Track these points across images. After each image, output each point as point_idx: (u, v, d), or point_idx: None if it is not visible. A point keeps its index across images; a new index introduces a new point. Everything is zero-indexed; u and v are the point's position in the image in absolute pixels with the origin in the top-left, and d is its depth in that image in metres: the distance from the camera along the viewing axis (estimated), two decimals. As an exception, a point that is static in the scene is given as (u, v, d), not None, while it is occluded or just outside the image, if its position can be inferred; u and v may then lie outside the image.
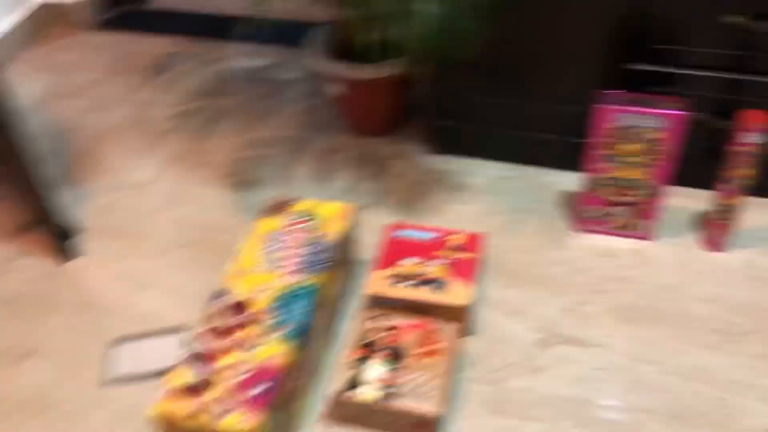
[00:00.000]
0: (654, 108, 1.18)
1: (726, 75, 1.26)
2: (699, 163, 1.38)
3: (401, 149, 1.61)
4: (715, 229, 1.30)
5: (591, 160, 1.27)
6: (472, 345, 1.19)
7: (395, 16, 1.23)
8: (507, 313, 1.24)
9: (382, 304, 1.20)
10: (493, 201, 1.46)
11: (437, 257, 1.25)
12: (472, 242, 1.27)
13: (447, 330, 1.15)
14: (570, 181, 1.46)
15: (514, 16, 1.30)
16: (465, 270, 1.22)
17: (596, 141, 1.24)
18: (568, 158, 1.44)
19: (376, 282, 1.21)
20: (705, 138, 1.34)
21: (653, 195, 1.28)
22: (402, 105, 1.62)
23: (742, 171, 1.19)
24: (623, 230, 1.35)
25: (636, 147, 1.23)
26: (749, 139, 1.16)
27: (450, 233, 1.29)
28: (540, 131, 1.47)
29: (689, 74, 1.28)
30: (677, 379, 1.12)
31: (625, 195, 1.30)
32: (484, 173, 1.53)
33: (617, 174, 1.27)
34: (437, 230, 1.30)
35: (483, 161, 1.55)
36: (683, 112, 1.17)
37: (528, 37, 1.33)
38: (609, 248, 1.35)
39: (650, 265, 1.31)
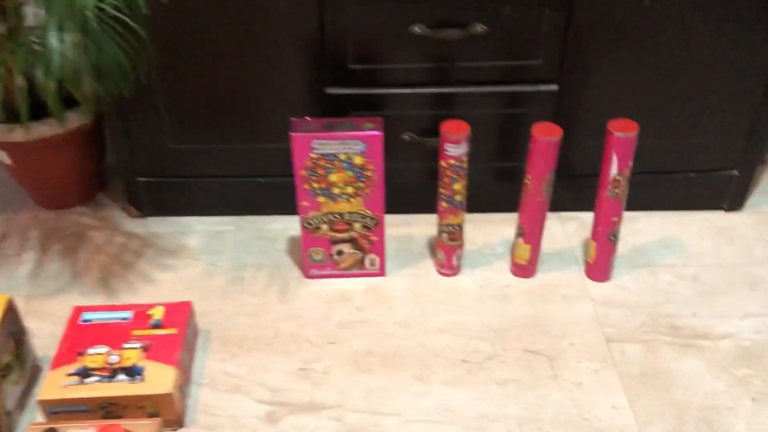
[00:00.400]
0: (351, 131, 1.07)
1: (425, 90, 1.20)
2: (420, 186, 1.30)
3: (101, 217, 1.37)
4: (444, 253, 1.21)
5: (300, 197, 1.13)
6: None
7: (32, 55, 1.03)
8: (229, 390, 1.05)
9: (62, 411, 0.95)
10: (212, 261, 1.28)
11: (132, 339, 1.03)
12: (175, 315, 1.07)
13: (146, 429, 0.93)
14: (295, 225, 1.32)
15: (191, 46, 1.15)
16: (167, 350, 1.01)
17: (299, 175, 1.11)
18: (289, 200, 1.30)
19: (50, 385, 0.96)
20: (419, 159, 1.27)
21: (374, 226, 1.17)
22: (95, 166, 1.40)
23: (456, 186, 1.12)
24: (353, 269, 1.23)
25: (342, 176, 1.11)
26: (453, 151, 1.08)
27: (148, 308, 1.08)
28: (252, 175, 1.31)
29: (390, 93, 1.20)
30: (423, 427, 0.99)
31: (344, 230, 1.18)
32: (199, 231, 1.34)
33: (331, 208, 1.15)
34: (133, 307, 1.09)
35: (197, 218, 1.37)
36: (380, 133, 1.07)
37: (217, 70, 1.18)
38: (342, 292, 1.22)
39: (385, 302, 1.20)
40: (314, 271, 1.23)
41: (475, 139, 1.23)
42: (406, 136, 1.23)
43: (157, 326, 1.05)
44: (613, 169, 1.09)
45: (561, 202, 1.34)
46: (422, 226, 1.34)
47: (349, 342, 1.12)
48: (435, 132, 1.16)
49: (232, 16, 1.12)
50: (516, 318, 1.16)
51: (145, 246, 1.31)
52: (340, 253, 1.20)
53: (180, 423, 0.99)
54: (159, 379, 0.97)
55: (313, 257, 1.21)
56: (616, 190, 1.11)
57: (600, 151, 1.12)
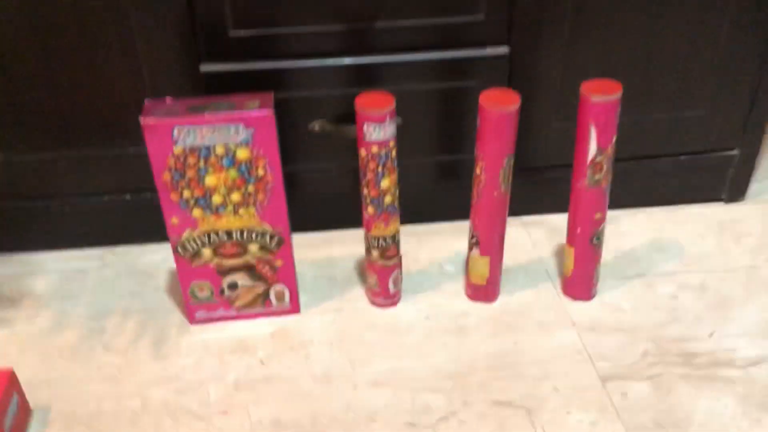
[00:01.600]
0: (229, 112, 0.76)
1: (336, 61, 0.90)
2: (339, 193, 1.00)
3: None
4: (378, 277, 0.90)
5: (167, 212, 0.82)
6: None
7: None
8: (68, 498, 0.72)
9: None
10: (63, 309, 0.94)
11: None
12: (-14, 390, 0.74)
13: None
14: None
15: (20, 27, 0.83)
16: (-36, 446, 0.68)
17: (161, 180, 0.79)
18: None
19: None
20: (335, 155, 0.96)
21: (277, 247, 0.86)
22: None
23: (384, 183, 0.82)
24: (254, 308, 0.91)
25: (222, 177, 0.80)
26: (376, 134, 0.79)
27: (-53, 384, 0.75)
28: (117, 191, 0.99)
29: (288, 67, 0.90)
30: None
31: (236, 255, 0.86)
32: (52, 270, 1.01)
33: (212, 225, 0.83)
34: (-75, 384, 0.75)
35: (52, 253, 1.03)
36: (269, 112, 0.77)
37: (56, 51, 0.86)
38: (239, 340, 0.89)
39: (300, 349, 0.88)
40: (201, 314, 0.90)
41: (408, 126, 0.94)
42: (316, 126, 0.93)
43: (-46, 411, 0.71)
44: (592, 148, 0.81)
45: (522, 204, 1.05)
46: (347, 245, 1.03)
47: (248, 409, 0.80)
48: (353, 117, 0.86)
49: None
50: (478, 358, 0.86)
51: (-26, 296, 0.97)
52: (233, 286, 0.88)
53: None
54: (-58, 496, 0.64)
55: (197, 295, 0.88)
56: (597, 177, 0.83)
57: (567, 134, 0.84)
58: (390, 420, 0.78)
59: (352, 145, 0.89)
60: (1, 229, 1.01)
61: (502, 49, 0.91)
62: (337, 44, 0.89)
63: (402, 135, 0.90)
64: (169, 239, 0.83)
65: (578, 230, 0.87)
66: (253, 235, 0.84)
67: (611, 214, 1.06)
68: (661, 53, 0.94)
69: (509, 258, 0.99)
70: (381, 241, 0.87)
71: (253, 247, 0.85)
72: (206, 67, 0.88)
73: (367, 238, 0.88)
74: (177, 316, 0.92)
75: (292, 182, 0.91)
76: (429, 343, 0.88)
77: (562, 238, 0.94)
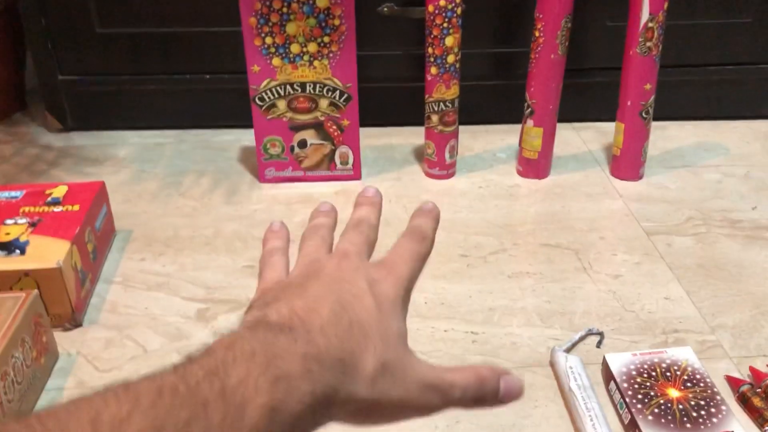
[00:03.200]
0: (314, -39, 0.85)
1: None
2: (403, 87, 1.07)
3: (13, 133, 1.12)
4: (435, 145, 0.96)
5: (250, 59, 0.89)
6: (80, 339, 0.71)
7: None
8: (150, 288, 0.78)
9: None
10: (143, 168, 1.02)
11: (20, 215, 0.76)
12: (80, 193, 0.81)
13: (10, 302, 0.65)
14: (250, 137, 1.07)
15: None
16: (62, 226, 0.75)
17: (247, 24, 0.87)
18: (243, 109, 1.06)
19: None
20: (402, 42, 1.03)
21: (345, 104, 0.93)
22: (9, 75, 1.15)
23: (448, 41, 0.88)
24: (320, 169, 0.97)
25: (302, 26, 0.87)
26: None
27: (47, 187, 0.82)
28: (198, 71, 1.08)
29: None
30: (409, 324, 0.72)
31: (307, 110, 0.93)
32: (132, 143, 1.09)
33: (289, 76, 0.91)
34: (27, 187, 0.83)
35: (131, 132, 1.12)
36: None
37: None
38: (306, 194, 0.96)
39: (362, 203, 0.94)
40: (271, 172, 0.97)
41: (471, 13, 1.01)
42: (384, 8, 1.01)
43: (54, 203, 0.79)
44: (644, 13, 0.87)
45: (574, 111, 1.11)
46: (407, 137, 1.10)
47: (313, 240, 0.86)
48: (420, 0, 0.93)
49: None
50: (528, 215, 0.91)
51: (63, 156, 1.05)
52: (302, 144, 0.95)
53: (75, 320, 0.72)
54: (45, 253, 0.70)
55: (269, 151, 0.96)
56: (649, 44, 0.88)
57: (620, 34, 0.90)
58: (444, 252, 0.83)
59: (418, 29, 0.96)
60: (90, 106, 1.10)
61: (561, -59, 0.98)
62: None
63: (464, 23, 0.97)
64: (249, 89, 0.91)
65: (628, 103, 0.92)
66: (325, 90, 0.91)
67: (658, 124, 1.11)
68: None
69: (560, 150, 1.04)
70: (441, 105, 0.93)
71: (324, 103, 0.92)
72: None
73: (427, 102, 0.94)
74: (248, 176, 1.00)
75: (359, 67, 0.98)
76: (481, 204, 0.93)
77: (612, 140, 0.99)
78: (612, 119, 0.97)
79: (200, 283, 0.79)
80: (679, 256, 0.83)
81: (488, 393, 0.36)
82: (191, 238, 0.87)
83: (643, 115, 0.93)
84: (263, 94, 0.91)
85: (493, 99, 1.11)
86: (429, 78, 0.92)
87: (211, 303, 0.75)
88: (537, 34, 0.89)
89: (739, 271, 0.80)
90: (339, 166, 0.97)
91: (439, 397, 0.35)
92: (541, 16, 0.87)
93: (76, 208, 0.78)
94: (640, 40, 0.88)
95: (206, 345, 0.30)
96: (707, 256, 0.83)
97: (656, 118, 1.07)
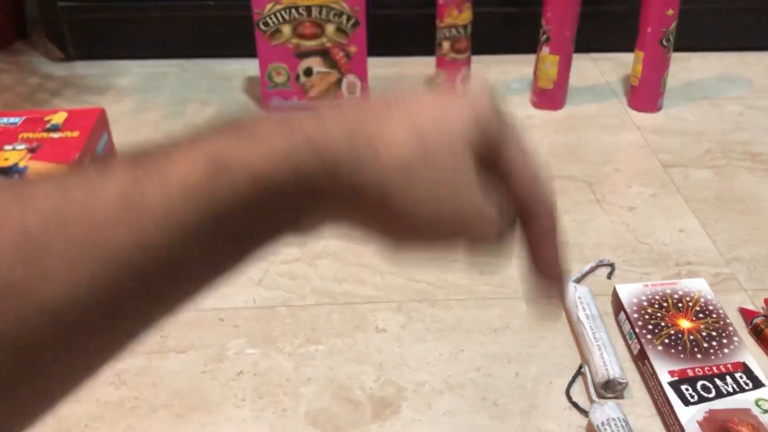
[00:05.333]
0: None
1: None
2: (411, 13, 1.03)
3: (14, 62, 1.10)
4: (447, 73, 0.93)
5: (254, -16, 0.86)
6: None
7: None
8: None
9: None
10: (146, 98, 1.00)
11: (19, 141, 0.75)
12: (80, 119, 0.79)
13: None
14: (254, 66, 1.03)
15: None
16: (61, 152, 0.73)
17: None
18: (247, 37, 1.02)
19: None
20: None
21: (352, 29, 0.89)
22: (9, 3, 1.13)
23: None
24: (328, 98, 0.95)
25: (308, -57, 0.84)
26: None
27: (46, 114, 0.80)
28: (202, -3, 1.04)
29: None
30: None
31: (313, 36, 0.90)
32: (135, 72, 1.06)
33: (294, 0, 0.87)
34: (26, 113, 0.81)
35: (134, 61, 1.09)
36: None
37: None
38: (312, 125, 0.94)
39: (369, 134, 0.92)
40: (276, 101, 0.95)
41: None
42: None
43: (53, 130, 0.77)
44: (669, -68, 0.82)
45: (592, 40, 1.06)
46: (417, 67, 1.06)
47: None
48: None
49: None
50: (541, 147, 0.88)
51: (65, 86, 1.03)
52: (308, 72, 0.92)
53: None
54: (42, 178, 0.69)
55: (274, 79, 0.93)
56: (673, -34, 0.84)
57: None
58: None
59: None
60: (92, 34, 1.07)
61: None
62: None
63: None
64: (253, 13, 0.88)
65: (649, 29, 0.88)
66: (331, 14, 0.88)
67: (679, 55, 1.06)
68: None
69: (576, 81, 1.00)
70: (453, 30, 0.90)
71: (330, 28, 0.89)
72: None
73: (438, 28, 0.91)
74: (253, 107, 0.97)
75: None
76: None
77: (630, 71, 0.95)
78: (631, 50, 0.93)
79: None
80: (696, 188, 0.80)
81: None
82: (194, 167, 0.85)
83: (664, 42, 0.89)
84: (267, 18, 0.88)
85: (508, 27, 1.07)
86: (440, 2, 0.88)
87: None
88: (554, -46, 0.84)
89: (758, 204, 0.77)
90: (346, 95, 0.94)
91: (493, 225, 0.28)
92: (559, -66, 0.83)
93: (76, 134, 0.76)
94: (664, -39, 0.84)
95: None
96: (725, 189, 0.80)
97: (678, 49, 1.03)
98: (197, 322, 0.62)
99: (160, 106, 0.97)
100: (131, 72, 1.06)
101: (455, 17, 0.88)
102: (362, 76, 0.93)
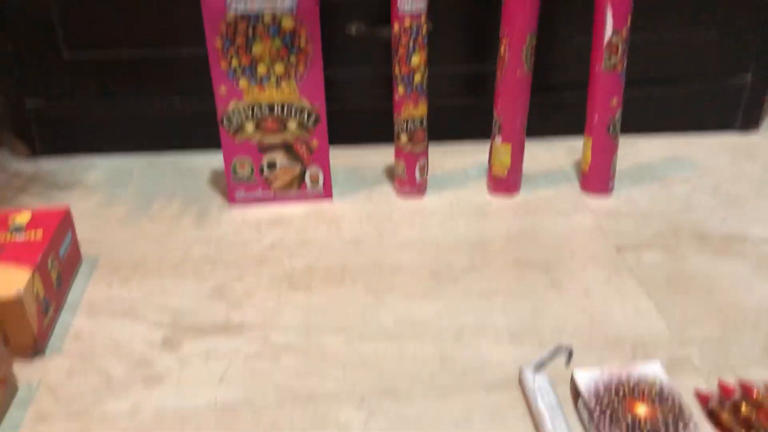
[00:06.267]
0: (278, -17, 0.85)
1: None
2: (372, 105, 1.07)
3: (-20, 159, 1.12)
4: (405, 163, 0.96)
5: (217, 81, 0.89)
6: (42, 368, 0.69)
7: None
8: (115, 315, 0.77)
9: None
10: (113, 193, 1.01)
11: (-20, 245, 0.75)
12: (44, 219, 0.80)
13: (-26, 340, 0.64)
14: (221, 160, 1.06)
15: None
16: (23, 254, 0.74)
17: (213, 46, 0.86)
18: (214, 131, 1.05)
19: None
20: (370, 61, 1.04)
21: (314, 125, 0.93)
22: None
23: (415, 60, 0.88)
24: (290, 190, 0.97)
25: (268, 47, 0.87)
26: (408, 6, 0.86)
27: (11, 213, 0.81)
28: (168, 93, 1.07)
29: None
30: (379, 346, 0.71)
31: (276, 131, 0.93)
32: (102, 167, 1.08)
33: (256, 97, 0.90)
34: (-10, 214, 0.82)
35: (102, 156, 1.11)
36: (316, -18, 0.85)
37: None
38: (276, 215, 0.95)
39: (332, 223, 0.93)
40: (240, 194, 0.97)
41: (438, 33, 1.02)
42: (353, 28, 1.01)
43: (17, 231, 0.78)
44: (608, 30, 0.87)
45: (544, 127, 1.11)
46: (379, 156, 1.10)
47: (282, 261, 0.85)
48: (388, 19, 0.94)
49: None
50: (499, 232, 0.91)
51: (31, 183, 1.04)
52: (271, 166, 0.95)
53: (37, 349, 0.70)
54: (5, 283, 0.69)
55: (238, 173, 0.95)
56: (613, 60, 0.89)
57: (588, 49, 0.91)
58: (415, 271, 0.83)
59: (386, 50, 0.96)
60: (59, 130, 1.09)
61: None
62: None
63: (431, 43, 0.97)
64: (216, 111, 0.91)
65: (595, 117, 0.93)
66: (293, 111, 0.91)
67: (627, 140, 1.12)
68: (675, -27, 1.02)
69: (530, 167, 1.04)
70: (410, 123, 0.93)
71: (292, 124, 0.92)
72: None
73: (396, 121, 0.94)
74: (218, 199, 0.99)
75: (328, 88, 0.98)
76: (453, 222, 0.93)
77: (581, 155, 1.00)
78: (581, 134, 0.97)
79: (167, 309, 0.78)
80: (648, 270, 0.83)
81: None
82: (159, 262, 0.86)
83: (611, 130, 0.93)
84: (231, 115, 0.91)
85: (463, 117, 1.11)
86: (397, 97, 0.92)
87: (177, 329, 0.74)
88: (502, 51, 0.89)
89: (708, 284, 0.80)
90: (309, 186, 0.97)
91: None
92: (505, 32, 0.88)
93: (39, 235, 0.77)
94: (605, 55, 0.89)
95: None
96: (677, 270, 0.83)
97: (626, 132, 1.08)
98: (158, 425, 0.62)
99: (126, 202, 0.99)
100: (98, 167, 1.08)
101: (411, 111, 0.92)
102: (324, 167, 0.96)
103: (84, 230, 0.92)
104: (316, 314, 0.76)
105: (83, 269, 0.85)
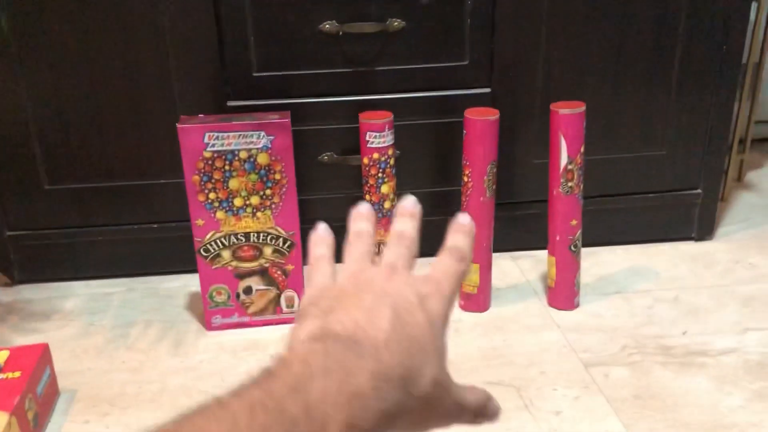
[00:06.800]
0: (254, 121, 0.90)
1: (342, 99, 1.05)
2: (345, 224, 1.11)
3: (-43, 288, 1.13)
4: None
5: (194, 214, 0.93)
6: None
7: None
8: (92, 454, 0.77)
9: None
10: (91, 321, 1.02)
11: (-41, 388, 0.76)
12: (22, 358, 0.81)
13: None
14: (197, 283, 1.08)
15: (70, 64, 0.99)
16: (1, 396, 0.75)
17: (190, 182, 0.91)
18: (189, 253, 1.08)
19: None
20: (342, 186, 1.08)
21: (289, 251, 0.96)
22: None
23: (384, 189, 0.93)
24: (266, 314, 0.99)
25: (244, 181, 0.91)
26: (377, 141, 0.92)
27: (-11, 353, 0.82)
28: (144, 222, 1.10)
29: (302, 103, 1.05)
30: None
31: (252, 258, 0.96)
32: (81, 294, 1.10)
33: (232, 227, 0.94)
34: (-32, 354, 0.83)
35: (81, 282, 1.13)
36: (287, 121, 0.90)
37: (98, 89, 1.01)
38: (253, 341, 0.97)
39: (308, 347, 0.95)
40: (217, 320, 0.99)
41: (405, 157, 1.07)
42: (325, 157, 1.07)
43: (-5, 371, 0.79)
44: (563, 158, 0.93)
45: (511, 241, 1.16)
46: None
47: (259, 390, 0.87)
48: (357, 149, 0.99)
49: (111, 30, 0.98)
50: (470, 351, 0.93)
51: (9, 312, 1.05)
52: (248, 291, 0.98)
53: (12, 495, 0.70)
54: (-17, 427, 0.70)
55: (215, 300, 0.97)
56: (570, 184, 0.95)
57: (547, 171, 0.97)
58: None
59: (356, 175, 1.02)
60: (39, 258, 1.11)
61: (485, 90, 1.06)
62: (344, 85, 1.04)
63: (400, 167, 1.03)
64: (194, 242, 0.94)
65: (557, 238, 0.98)
66: (269, 239, 0.95)
67: (591, 250, 1.16)
68: (623, 97, 1.09)
69: (499, 281, 1.08)
70: (382, 246, 0.97)
71: (268, 250, 0.95)
72: (234, 103, 1.03)
73: (369, 245, 0.98)
74: (195, 325, 1.01)
75: (303, 211, 1.02)
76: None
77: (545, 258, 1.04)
78: (545, 246, 1.02)
79: (145, 444, 0.78)
80: (616, 387, 0.85)
81: (487, 412, 0.41)
82: (137, 395, 0.86)
83: (572, 248, 0.98)
84: (208, 245, 0.94)
85: (433, 235, 1.15)
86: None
87: (156, 466, 0.75)
88: (465, 179, 0.94)
89: (674, 400, 0.83)
90: (285, 309, 0.99)
91: (464, 414, 0.39)
92: (467, 162, 0.93)
93: (18, 374, 0.78)
94: (562, 180, 0.94)
95: (280, 355, 0.34)
96: (643, 385, 0.86)
97: (588, 244, 1.13)
98: None
99: (104, 329, 1.00)
100: (76, 293, 1.10)
101: (382, 235, 0.96)
102: (299, 290, 0.99)
103: (62, 361, 0.92)
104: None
105: (60, 404, 0.85)
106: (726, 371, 0.88)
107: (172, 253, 1.12)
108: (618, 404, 0.82)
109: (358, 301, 0.36)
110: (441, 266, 0.41)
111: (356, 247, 0.43)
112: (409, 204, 0.45)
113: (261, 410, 0.30)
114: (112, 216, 1.09)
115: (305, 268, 0.35)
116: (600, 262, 1.15)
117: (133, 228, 1.10)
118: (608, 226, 1.18)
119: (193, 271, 1.01)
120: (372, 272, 0.40)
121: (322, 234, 0.45)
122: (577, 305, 1.02)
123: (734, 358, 0.90)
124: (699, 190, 1.17)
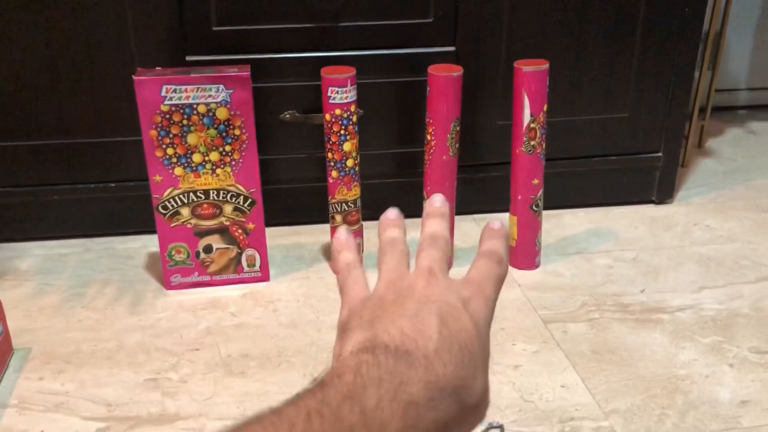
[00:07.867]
0: (212, 73, 0.88)
1: (305, 54, 1.03)
2: (307, 186, 1.10)
3: None
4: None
5: (152, 171, 0.91)
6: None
7: None
8: (47, 409, 0.75)
9: None
10: (46, 281, 1.00)
11: None
12: (-26, 313, 0.79)
13: None
14: (157, 243, 1.07)
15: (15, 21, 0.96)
16: (-48, 349, 0.73)
17: (147, 137, 0.89)
18: (149, 213, 1.05)
19: None
20: (304, 146, 1.07)
21: (250, 208, 0.95)
22: None
23: (346, 147, 0.92)
24: (227, 273, 0.98)
25: (203, 136, 0.90)
26: (339, 96, 0.90)
27: (-62, 309, 0.80)
28: (102, 180, 1.08)
29: (264, 59, 1.03)
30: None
31: (212, 216, 0.94)
32: (36, 255, 1.07)
33: (191, 184, 0.92)
34: None
35: (36, 242, 1.10)
36: (246, 74, 0.88)
37: (50, 37, 0.98)
38: (212, 299, 0.96)
39: (268, 305, 0.94)
40: (176, 278, 0.97)
41: (368, 118, 1.06)
42: (287, 115, 1.05)
43: (-57, 327, 0.77)
44: (526, 115, 0.93)
45: (473, 204, 1.16)
46: (315, 235, 1.12)
47: (218, 347, 0.86)
48: (320, 107, 0.98)
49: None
50: (432, 310, 0.93)
51: (-41, 272, 1.03)
52: (208, 249, 0.96)
53: (-39, 451, 0.69)
54: (-70, 382, 0.68)
55: (174, 258, 0.96)
56: (533, 143, 0.95)
57: (509, 131, 0.97)
58: (351, 352, 0.84)
59: (319, 135, 1.00)
60: (-9, 218, 1.08)
61: (449, 48, 1.05)
62: (307, 40, 1.03)
63: (363, 128, 1.02)
64: (152, 198, 0.92)
65: (519, 197, 0.98)
66: (229, 196, 0.93)
67: (553, 212, 1.17)
68: (587, 58, 1.09)
69: (461, 242, 1.08)
70: (344, 205, 0.96)
71: (228, 208, 0.94)
72: (192, 58, 1.01)
73: (330, 203, 0.97)
74: (154, 284, 0.99)
75: (264, 170, 1.01)
76: (388, 300, 0.95)
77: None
78: (508, 209, 1.02)
79: (101, 400, 0.77)
80: (574, 342, 0.86)
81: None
82: (92, 352, 0.85)
83: (534, 208, 0.99)
84: (166, 202, 0.92)
85: (396, 195, 1.15)
86: (331, 181, 0.96)
87: (112, 421, 0.74)
88: (429, 137, 0.94)
89: (630, 354, 0.84)
90: (246, 268, 0.98)
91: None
92: (431, 120, 0.93)
93: (-32, 330, 0.76)
94: (525, 139, 0.94)
95: (332, 367, 0.33)
96: (600, 341, 0.87)
97: (551, 207, 1.13)
98: None
99: (60, 289, 0.98)
100: (31, 254, 1.07)
101: (345, 194, 0.96)
102: (261, 250, 0.97)
103: (16, 320, 0.90)
104: (252, 401, 0.77)
105: (14, 361, 0.83)
106: (681, 327, 0.89)
107: (131, 213, 1.10)
108: (576, 358, 0.83)
109: (402, 309, 0.36)
110: (480, 270, 0.41)
111: (391, 255, 0.42)
112: (439, 202, 0.44)
113: (317, 417, 0.30)
114: (69, 174, 1.06)
115: (337, 278, 0.35)
116: (562, 224, 1.16)
117: (89, 187, 1.08)
118: (571, 189, 1.19)
119: (153, 231, 0.99)
120: (410, 279, 0.39)
121: (344, 240, 0.44)
122: (538, 265, 1.02)
123: (689, 314, 0.92)
124: (660, 153, 1.18)
